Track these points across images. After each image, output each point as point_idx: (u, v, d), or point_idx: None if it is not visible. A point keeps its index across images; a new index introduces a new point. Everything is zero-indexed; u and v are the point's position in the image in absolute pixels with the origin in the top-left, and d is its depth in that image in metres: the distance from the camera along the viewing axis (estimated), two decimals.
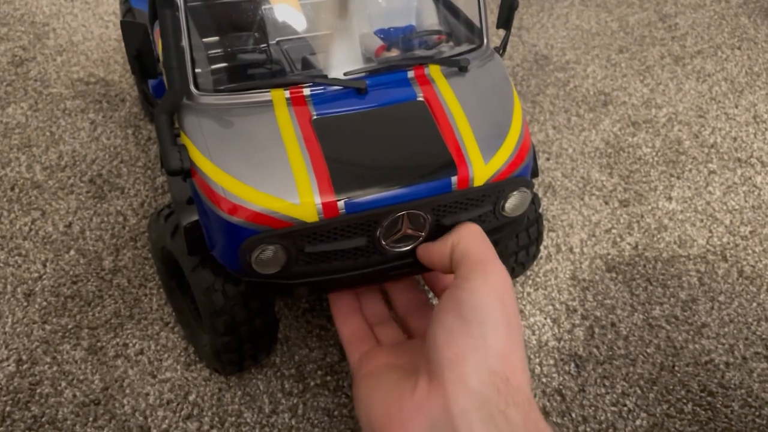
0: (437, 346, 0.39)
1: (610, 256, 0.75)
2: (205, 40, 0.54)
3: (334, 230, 0.46)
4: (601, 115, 0.96)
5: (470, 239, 0.44)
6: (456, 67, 0.53)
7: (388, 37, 0.57)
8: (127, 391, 0.61)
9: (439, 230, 0.48)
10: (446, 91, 0.51)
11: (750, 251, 0.76)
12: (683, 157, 0.89)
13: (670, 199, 0.83)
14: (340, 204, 0.45)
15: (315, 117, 0.48)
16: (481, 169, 0.48)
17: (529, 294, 0.71)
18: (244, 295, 0.54)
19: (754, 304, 0.70)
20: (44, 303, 0.68)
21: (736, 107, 0.99)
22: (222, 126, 0.48)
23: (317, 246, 0.46)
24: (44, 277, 0.71)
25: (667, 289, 0.72)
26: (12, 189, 0.81)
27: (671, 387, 0.63)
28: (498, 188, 0.49)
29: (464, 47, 0.56)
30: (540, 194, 0.82)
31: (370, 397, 0.42)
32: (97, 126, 0.90)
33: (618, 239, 0.77)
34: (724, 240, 0.78)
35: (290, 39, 0.57)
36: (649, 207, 0.81)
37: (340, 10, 0.56)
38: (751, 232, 0.79)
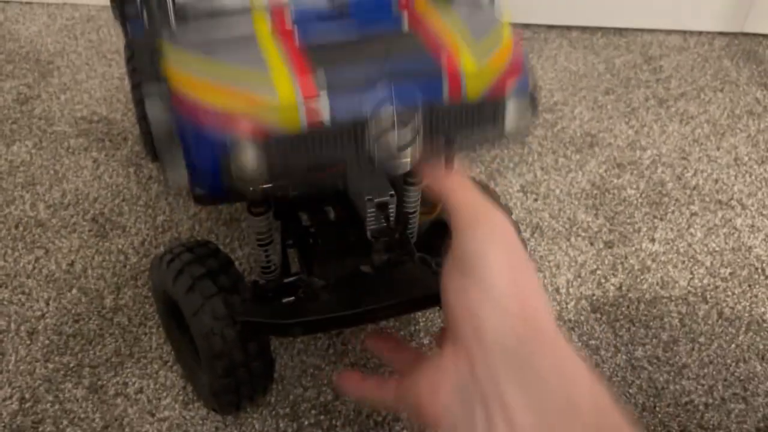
0: (450, 308, 0.39)
1: (594, 297, 0.78)
2: None
3: (318, 135, 0.45)
4: (588, 156, 1.00)
5: (459, 193, 0.43)
6: None
7: None
8: (127, 429, 0.63)
9: (433, 145, 0.47)
10: (432, 13, 0.52)
11: (729, 293, 0.79)
12: (666, 199, 0.92)
13: (653, 240, 0.86)
14: (324, 104, 0.44)
15: (299, 44, 0.49)
16: (473, 78, 0.47)
17: None
18: (242, 338, 0.57)
19: (733, 346, 0.73)
20: (47, 341, 0.70)
21: (718, 149, 1.02)
22: (204, 52, 0.48)
23: (301, 152, 0.45)
24: (47, 315, 0.73)
25: (649, 330, 0.74)
26: (16, 227, 0.83)
27: (652, 428, 0.65)
28: (494, 100, 0.48)
29: None
30: (527, 235, 0.85)
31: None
32: (100, 164, 0.93)
33: (603, 280, 0.80)
34: (705, 281, 0.81)
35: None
36: (633, 248, 0.84)
37: None
38: (731, 274, 0.82)
